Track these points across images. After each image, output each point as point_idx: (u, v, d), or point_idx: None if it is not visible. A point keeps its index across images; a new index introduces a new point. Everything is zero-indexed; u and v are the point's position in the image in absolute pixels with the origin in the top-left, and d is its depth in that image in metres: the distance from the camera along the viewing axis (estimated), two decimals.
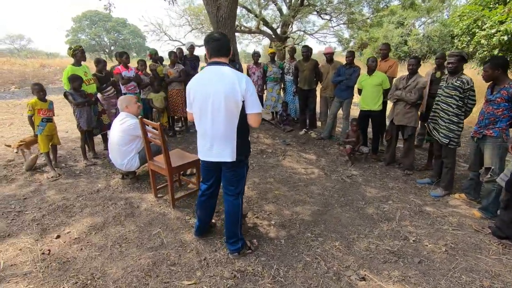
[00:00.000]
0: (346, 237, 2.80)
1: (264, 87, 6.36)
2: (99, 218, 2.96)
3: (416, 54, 21.11)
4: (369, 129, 5.03)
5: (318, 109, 6.21)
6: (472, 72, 11.23)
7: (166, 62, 6.11)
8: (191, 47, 6.18)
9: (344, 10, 14.99)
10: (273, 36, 15.81)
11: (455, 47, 15.28)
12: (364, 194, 3.70)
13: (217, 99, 2.07)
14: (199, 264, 2.37)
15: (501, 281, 2.21)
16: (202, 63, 6.59)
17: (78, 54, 4.27)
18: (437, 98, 3.68)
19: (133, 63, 5.38)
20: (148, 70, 5.45)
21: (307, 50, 5.65)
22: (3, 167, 4.06)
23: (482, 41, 12.91)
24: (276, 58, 6.59)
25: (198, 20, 17.60)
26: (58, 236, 2.66)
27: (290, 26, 16.53)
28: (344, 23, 16.43)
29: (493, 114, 3.07)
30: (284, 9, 15.94)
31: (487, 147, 3.13)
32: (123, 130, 3.38)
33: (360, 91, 4.86)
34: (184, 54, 6.14)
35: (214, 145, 2.18)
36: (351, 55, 5.12)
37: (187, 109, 2.37)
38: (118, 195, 3.44)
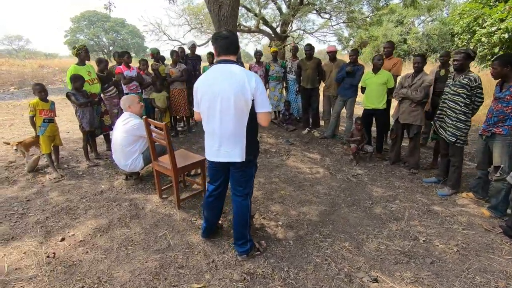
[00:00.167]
0: (355, 237, 2.75)
1: (266, 86, 6.31)
2: (103, 220, 2.92)
3: (416, 53, 21.12)
4: (373, 128, 5.00)
5: (321, 108, 6.17)
6: (473, 70, 11.22)
7: (168, 61, 6.05)
8: (193, 46, 6.12)
9: (343, 9, 14.95)
10: (273, 35, 15.75)
11: (455, 45, 15.27)
12: (370, 193, 3.66)
13: (226, 98, 2.02)
14: (207, 267, 2.32)
15: None
16: (203, 63, 6.54)
17: (82, 54, 4.22)
18: (444, 96, 3.64)
19: (133, 63, 5.31)
20: (150, 70, 5.40)
21: (310, 49, 5.60)
22: (5, 169, 4.01)
23: (483, 39, 12.90)
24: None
25: (198, 20, 17.52)
26: (62, 239, 2.61)
27: (289, 25, 16.48)
28: (343, 22, 16.39)
29: (502, 112, 3.03)
30: (284, 8, 15.90)
31: (496, 146, 3.09)
32: (127, 130, 3.33)
33: (363, 89, 4.82)
34: (186, 53, 6.09)
35: (223, 145, 2.14)
36: (355, 53, 5.07)
37: (194, 109, 2.32)
38: (122, 196, 3.39)
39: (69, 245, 2.55)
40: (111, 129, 4.67)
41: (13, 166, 4.13)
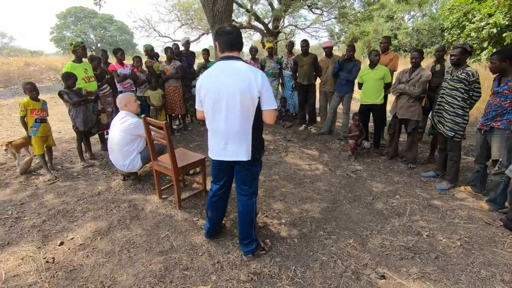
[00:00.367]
0: (359, 234, 2.75)
1: None
2: (103, 222, 2.84)
3: (406, 48, 21.33)
4: (370, 123, 5.01)
5: (317, 104, 6.16)
6: None
7: (161, 58, 5.93)
8: (187, 43, 6.01)
9: (335, 4, 14.94)
10: (265, 31, 15.66)
11: (445, 40, 15.44)
12: (370, 189, 3.67)
13: (231, 96, 1.97)
14: (213, 268, 2.28)
15: None
16: (197, 60, 6.45)
17: (79, 51, 4.10)
18: (441, 91, 3.66)
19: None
20: (143, 67, 5.28)
21: (306, 45, 5.56)
22: None
23: (472, 34, 13.06)
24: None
25: (188, 15, 17.29)
26: (61, 243, 2.53)
27: (281, 21, 16.40)
28: (335, 18, 16.39)
29: (500, 106, 3.06)
30: (276, 4, 15.78)
31: (494, 140, 3.12)
32: (124, 129, 3.25)
33: (360, 85, 4.81)
34: (180, 50, 5.98)
35: (229, 143, 2.09)
36: (351, 49, 5.06)
37: (197, 107, 2.26)
38: (121, 197, 3.31)
39: (69, 249, 2.47)
40: (107, 128, 4.57)
41: (4, 168, 3.99)
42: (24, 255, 2.38)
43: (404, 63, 10.16)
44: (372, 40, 21.09)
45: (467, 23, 13.13)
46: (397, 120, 4.32)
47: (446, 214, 3.08)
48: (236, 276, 2.20)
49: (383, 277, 2.20)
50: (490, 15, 11.56)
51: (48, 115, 3.88)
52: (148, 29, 16.82)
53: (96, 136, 4.60)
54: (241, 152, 2.09)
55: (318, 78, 5.81)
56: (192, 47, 6.24)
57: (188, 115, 6.24)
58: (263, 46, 14.68)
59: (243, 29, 17.59)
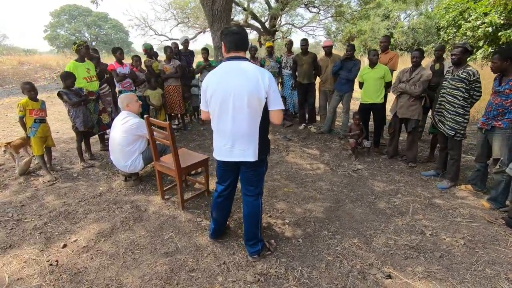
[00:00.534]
0: (363, 233, 2.76)
1: None
2: (106, 224, 2.81)
3: (402, 47, 21.43)
4: (369, 122, 5.02)
5: (316, 103, 6.16)
6: None
7: (161, 58, 5.88)
8: (186, 42, 5.98)
9: (332, 3, 14.95)
10: (262, 30, 15.62)
11: (441, 39, 15.53)
12: (372, 188, 3.68)
13: (239, 96, 1.95)
14: (219, 269, 2.27)
15: None
16: (196, 59, 6.41)
17: (82, 50, 4.06)
18: (442, 90, 3.68)
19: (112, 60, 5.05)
20: (143, 66, 5.23)
21: (306, 44, 5.55)
22: None
23: (468, 32, 13.14)
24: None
25: (184, 14, 17.18)
26: (64, 245, 2.50)
27: (278, 20, 16.37)
28: (332, 16, 16.41)
29: (501, 105, 3.08)
30: (273, 2, 15.75)
31: (496, 139, 3.15)
32: (126, 130, 3.22)
33: (361, 85, 4.83)
34: (179, 49, 5.94)
35: (236, 144, 2.08)
36: (351, 48, 5.06)
37: (202, 108, 2.24)
38: (123, 198, 3.28)
39: (72, 251, 2.44)
40: (108, 128, 4.53)
41: (2, 169, 3.94)
42: (27, 258, 2.35)
43: (400, 62, 10.20)
44: (369, 39, 21.15)
45: (463, 22, 13.20)
46: (398, 120, 4.33)
47: (448, 213, 3.10)
48: (242, 277, 2.19)
49: (389, 276, 2.21)
50: (485, 14, 11.65)
51: (47, 115, 3.84)
52: (144, 28, 16.70)
53: (95, 136, 4.55)
54: (248, 153, 2.08)
55: (317, 77, 5.81)
56: (190, 46, 6.19)
57: (187, 115, 6.21)
58: (260, 44, 14.67)
59: None
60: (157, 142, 3.04)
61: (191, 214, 3.00)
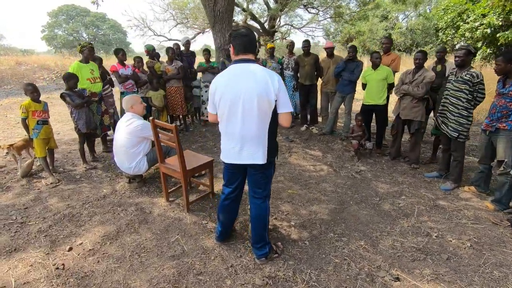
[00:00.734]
0: (369, 235, 2.76)
1: None
2: (111, 227, 2.80)
3: (400, 48, 21.52)
4: (372, 124, 5.03)
5: (318, 105, 6.16)
6: None
7: (162, 59, 5.86)
8: (187, 43, 5.96)
9: (331, 4, 14.99)
10: (261, 31, 15.63)
11: (440, 40, 15.60)
12: (376, 190, 3.68)
13: (248, 99, 1.95)
14: (227, 272, 2.26)
15: None
16: (197, 59, 6.39)
17: (85, 51, 4.05)
18: (445, 92, 3.69)
19: (113, 60, 5.08)
20: (145, 68, 5.22)
21: (308, 45, 5.56)
22: None
23: (466, 34, 13.19)
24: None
25: (183, 15, 17.16)
26: (70, 249, 2.48)
27: (277, 20, 16.39)
28: (331, 17, 16.45)
29: (506, 107, 3.10)
30: (272, 3, 15.76)
31: (500, 140, 3.16)
32: (130, 132, 3.20)
33: (364, 86, 4.83)
34: (180, 50, 5.92)
35: (245, 147, 2.07)
36: (353, 50, 5.06)
37: (209, 110, 2.23)
38: (127, 201, 3.27)
39: (78, 255, 2.42)
40: (109, 129, 4.51)
41: (4, 171, 3.91)
42: (33, 261, 2.33)
43: (403, 63, 10.23)
44: (367, 40, 21.23)
45: (461, 23, 13.25)
46: (400, 121, 4.34)
47: (453, 215, 3.11)
48: (251, 280, 2.18)
49: (398, 279, 2.21)
50: (484, 16, 11.71)
51: (49, 117, 3.81)
52: (143, 28, 16.67)
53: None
54: (258, 155, 2.07)
55: (319, 78, 5.81)
56: (190, 46, 6.17)
57: (189, 116, 6.19)
58: (259, 45, 14.66)
59: None
60: (162, 144, 3.02)
61: (196, 217, 2.99)
